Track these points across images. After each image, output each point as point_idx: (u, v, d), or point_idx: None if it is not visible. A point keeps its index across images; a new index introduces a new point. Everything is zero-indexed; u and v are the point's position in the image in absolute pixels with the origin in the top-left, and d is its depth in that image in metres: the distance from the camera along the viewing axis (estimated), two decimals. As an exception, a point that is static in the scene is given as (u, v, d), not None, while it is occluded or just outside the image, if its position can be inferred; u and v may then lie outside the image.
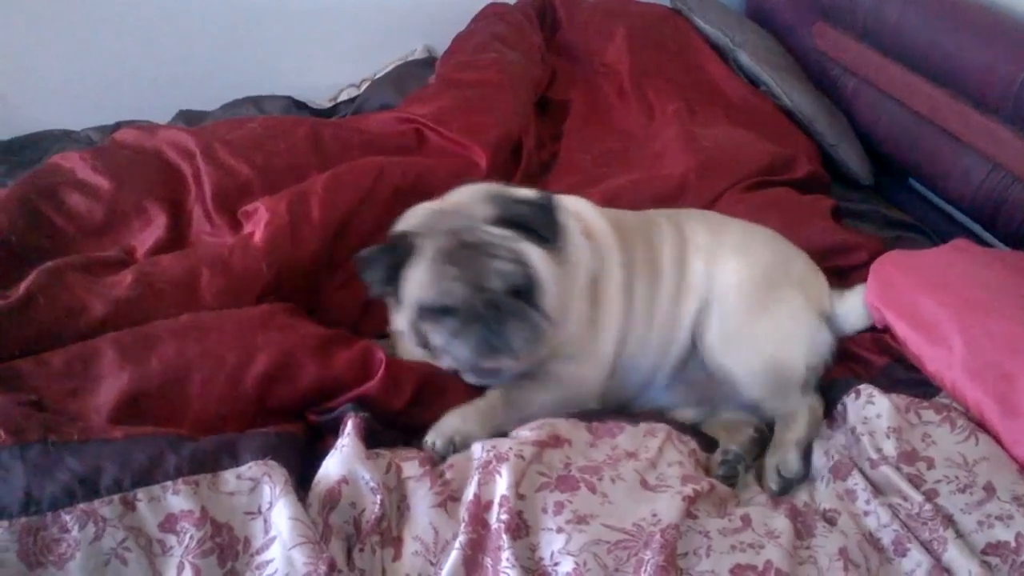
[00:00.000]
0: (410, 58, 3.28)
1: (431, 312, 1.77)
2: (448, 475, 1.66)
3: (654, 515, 1.57)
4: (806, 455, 1.90)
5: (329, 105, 3.13)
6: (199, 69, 3.07)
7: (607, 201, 2.39)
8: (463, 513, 1.56)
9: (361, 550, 1.48)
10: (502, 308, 1.73)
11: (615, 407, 1.99)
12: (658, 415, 1.99)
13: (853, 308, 2.13)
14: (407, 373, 1.84)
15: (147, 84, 2.97)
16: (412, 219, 1.87)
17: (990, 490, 1.68)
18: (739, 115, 2.85)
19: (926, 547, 1.60)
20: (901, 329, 2.04)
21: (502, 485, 1.59)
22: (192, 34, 3.13)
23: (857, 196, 2.83)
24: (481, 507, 1.56)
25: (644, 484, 1.65)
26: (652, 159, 2.61)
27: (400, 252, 1.79)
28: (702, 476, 1.76)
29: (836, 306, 2.13)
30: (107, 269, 1.93)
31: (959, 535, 1.61)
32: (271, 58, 3.18)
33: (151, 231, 2.09)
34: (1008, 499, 1.65)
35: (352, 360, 1.82)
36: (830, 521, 1.69)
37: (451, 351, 1.79)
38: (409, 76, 3.09)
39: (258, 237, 2.00)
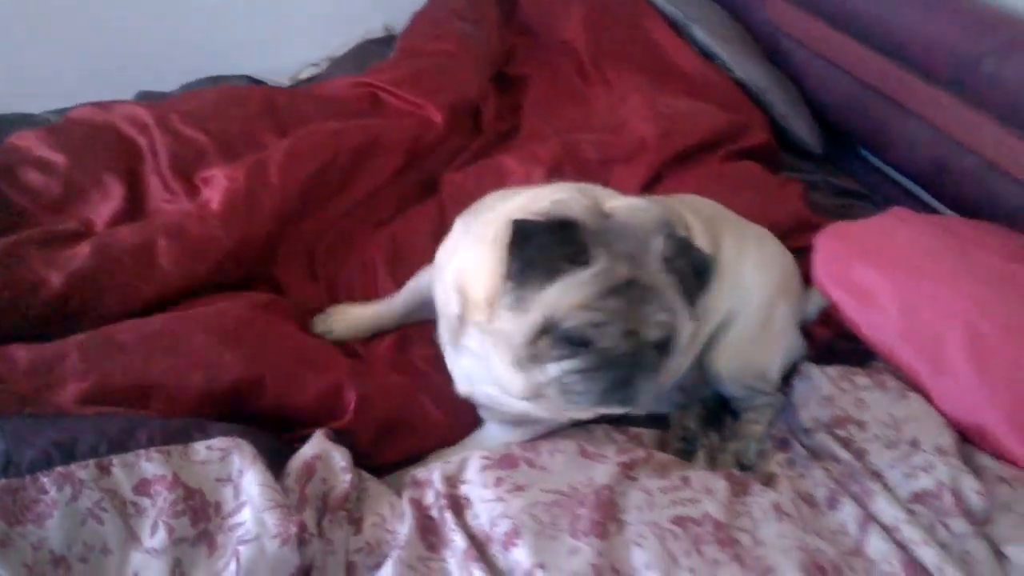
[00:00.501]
0: (370, 36, 3.30)
1: (565, 336, 1.53)
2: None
3: (590, 479, 1.65)
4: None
5: (289, 84, 3.13)
6: (158, 49, 3.07)
7: (566, 151, 2.47)
8: (406, 497, 1.64)
9: (331, 521, 1.56)
10: (643, 360, 1.55)
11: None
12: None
13: (812, 300, 2.20)
14: (378, 410, 1.81)
15: (106, 65, 2.96)
16: (570, 207, 1.59)
17: (915, 444, 1.77)
18: (695, 88, 2.90)
19: (856, 500, 1.69)
20: (839, 297, 2.12)
21: (448, 465, 1.68)
22: (150, 14, 3.12)
23: (808, 166, 2.91)
24: (420, 484, 1.65)
25: (583, 453, 1.72)
26: (614, 128, 2.66)
27: (572, 249, 1.51)
28: (639, 447, 1.84)
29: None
30: (65, 242, 1.94)
31: (886, 488, 1.70)
32: (230, 37, 3.17)
33: (109, 203, 2.11)
34: (930, 450, 1.74)
35: (323, 393, 1.77)
36: (767, 484, 1.78)
37: (568, 386, 1.55)
38: (369, 54, 3.11)
39: (216, 204, 2.03)
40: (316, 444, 1.67)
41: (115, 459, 1.48)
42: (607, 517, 1.56)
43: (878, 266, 2.08)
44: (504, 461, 1.67)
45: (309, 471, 1.61)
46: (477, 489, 1.65)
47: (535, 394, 1.63)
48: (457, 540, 1.53)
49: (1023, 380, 1.78)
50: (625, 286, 1.53)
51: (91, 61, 3.01)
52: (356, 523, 1.60)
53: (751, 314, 1.98)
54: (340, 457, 1.65)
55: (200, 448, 1.54)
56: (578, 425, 1.91)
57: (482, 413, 1.88)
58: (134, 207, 2.15)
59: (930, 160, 2.63)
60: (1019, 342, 1.83)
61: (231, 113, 2.35)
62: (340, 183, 2.29)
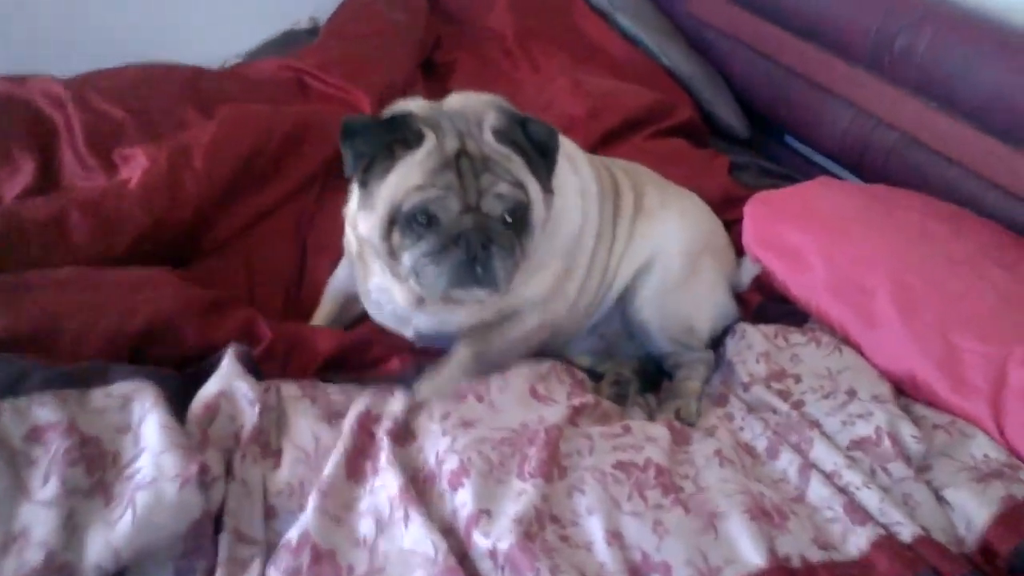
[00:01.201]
0: (297, 28, 3.25)
1: (410, 220, 1.58)
2: (333, 396, 1.67)
3: (540, 418, 1.61)
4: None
5: (215, 72, 3.07)
6: (81, 36, 2.96)
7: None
8: (350, 423, 1.57)
9: (243, 457, 1.47)
10: (492, 235, 1.58)
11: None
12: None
13: (745, 269, 2.21)
14: (289, 345, 1.79)
15: (27, 48, 2.85)
16: (407, 106, 1.67)
17: (852, 394, 1.77)
18: (622, 71, 2.93)
19: (795, 449, 1.68)
20: (768, 260, 2.13)
21: (395, 405, 1.61)
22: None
23: (735, 149, 2.94)
24: (371, 419, 1.58)
25: (533, 392, 1.69)
26: (542, 107, 2.66)
27: (400, 133, 1.57)
28: (588, 393, 1.80)
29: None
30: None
31: (824, 435, 1.69)
32: (156, 27, 3.10)
33: (19, 178, 2.02)
34: (867, 398, 1.74)
35: (234, 331, 1.75)
36: (708, 433, 1.75)
37: (422, 273, 1.60)
38: (293, 44, 3.05)
39: (134, 182, 1.96)
40: (219, 379, 1.57)
41: (5, 404, 1.37)
42: (553, 459, 1.52)
43: (805, 228, 2.10)
44: (453, 394, 1.64)
45: (211, 411, 1.51)
46: (424, 421, 1.60)
47: (415, 299, 1.70)
48: (391, 477, 1.46)
49: (949, 328, 1.80)
50: (455, 159, 1.58)
51: (12, 44, 2.88)
52: (274, 456, 1.51)
53: (673, 259, 1.98)
54: (247, 389, 1.55)
55: (99, 395, 1.45)
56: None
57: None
58: (46, 183, 2.07)
59: (853, 139, 2.68)
60: (943, 293, 1.86)
61: (152, 90, 2.28)
62: (269, 172, 2.23)
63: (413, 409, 1.63)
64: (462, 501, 1.42)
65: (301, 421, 1.57)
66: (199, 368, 1.70)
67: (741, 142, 3.01)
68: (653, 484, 1.50)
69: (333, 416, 1.61)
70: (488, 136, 1.63)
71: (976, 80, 2.27)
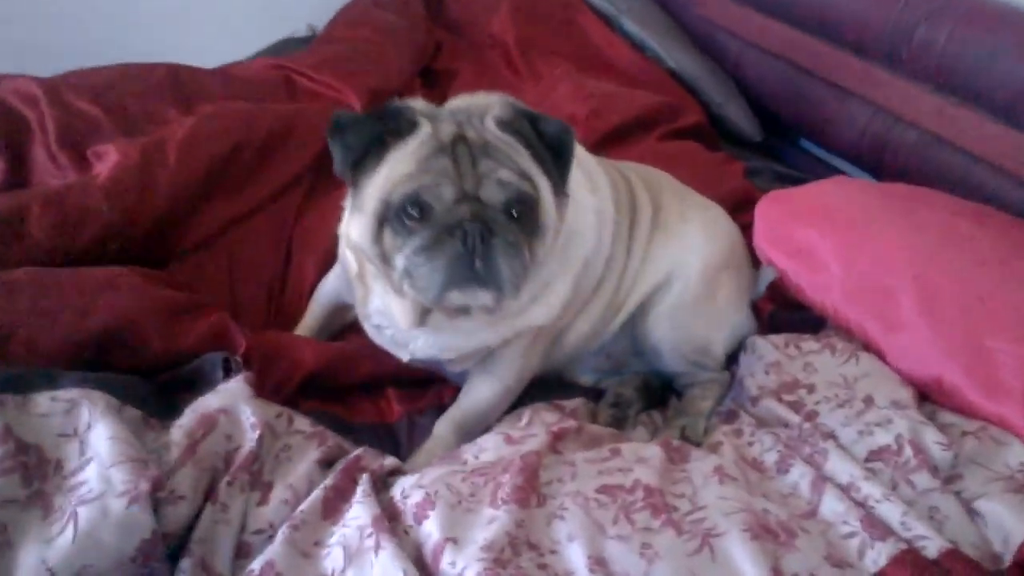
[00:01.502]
0: (294, 36, 3.18)
1: (400, 214, 1.41)
2: (342, 444, 1.55)
3: (517, 450, 1.47)
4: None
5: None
6: (77, 45, 2.91)
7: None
8: (338, 465, 1.45)
9: (229, 483, 1.34)
10: (493, 226, 1.40)
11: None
12: (560, 380, 1.91)
13: (761, 276, 2.08)
14: (268, 354, 1.69)
15: (16, 51, 2.80)
16: (407, 103, 1.54)
17: (869, 401, 1.62)
18: (627, 78, 2.83)
19: (807, 462, 1.53)
20: (780, 261, 1.99)
21: (386, 461, 1.50)
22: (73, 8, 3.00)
23: (747, 154, 2.81)
24: (358, 467, 1.45)
25: (508, 440, 1.54)
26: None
27: (393, 123, 1.43)
28: (570, 419, 1.66)
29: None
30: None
31: (840, 447, 1.54)
32: (153, 36, 3.06)
33: (-13, 178, 1.93)
34: (886, 405, 1.59)
35: (204, 337, 1.64)
36: (710, 450, 1.61)
37: (416, 274, 1.42)
38: (291, 52, 2.96)
39: (103, 178, 1.86)
40: (222, 395, 1.46)
41: (-67, 409, 1.26)
42: (530, 485, 1.37)
43: (820, 226, 1.96)
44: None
45: (209, 424, 1.40)
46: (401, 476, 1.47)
47: (417, 317, 1.54)
48: (363, 510, 1.32)
49: (978, 328, 1.64)
50: (451, 146, 1.42)
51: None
52: (263, 490, 1.38)
53: (692, 280, 1.83)
54: (251, 412, 1.43)
55: (42, 399, 1.33)
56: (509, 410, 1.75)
57: (450, 375, 1.75)
58: (16, 183, 1.98)
59: (871, 139, 2.55)
60: (970, 290, 1.70)
61: (130, 87, 2.19)
62: (251, 169, 2.14)
63: (396, 471, 1.50)
64: (427, 532, 1.28)
65: (301, 461, 1.44)
66: (173, 375, 1.60)
67: (754, 147, 2.88)
68: (641, 506, 1.34)
69: (332, 462, 1.48)
70: (490, 124, 1.48)
71: (1001, 73, 2.13)
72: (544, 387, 1.83)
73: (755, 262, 2.09)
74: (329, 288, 1.92)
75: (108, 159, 1.93)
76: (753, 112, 2.89)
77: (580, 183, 1.70)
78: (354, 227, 1.51)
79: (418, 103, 1.53)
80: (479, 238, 1.39)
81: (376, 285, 1.62)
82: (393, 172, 1.43)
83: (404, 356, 1.69)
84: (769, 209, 2.09)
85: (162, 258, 1.95)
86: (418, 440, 1.70)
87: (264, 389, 1.66)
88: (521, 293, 1.52)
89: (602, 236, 1.74)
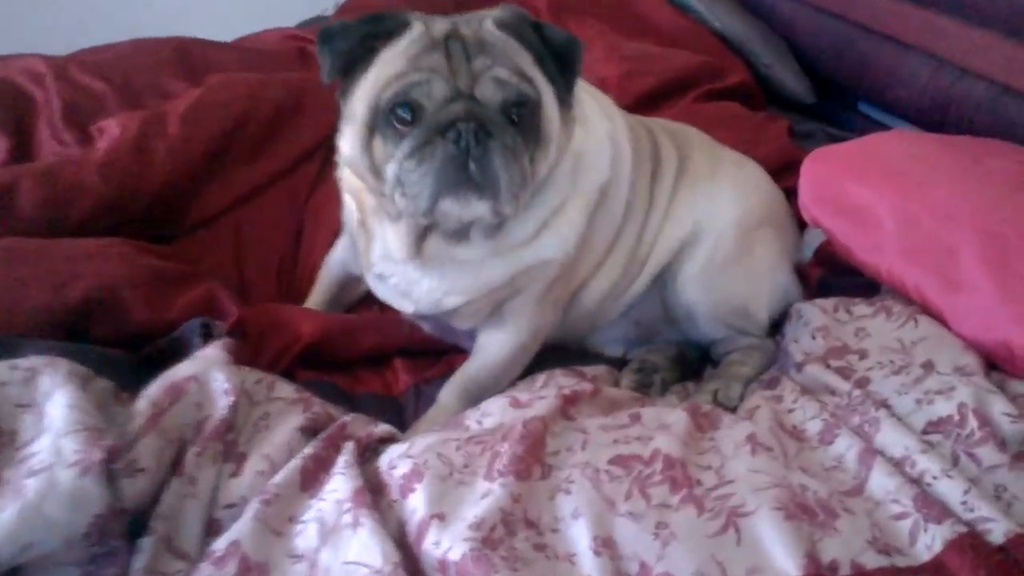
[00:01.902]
0: (324, 14, 3.09)
1: (390, 117, 1.31)
2: (330, 411, 1.43)
3: (522, 414, 1.33)
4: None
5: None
6: (97, 19, 2.89)
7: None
8: (321, 435, 1.32)
9: (198, 454, 1.24)
10: (489, 126, 1.29)
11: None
12: (585, 352, 1.76)
13: (807, 239, 1.90)
14: (264, 326, 1.60)
15: (58, 26, 2.78)
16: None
17: (928, 367, 1.44)
18: (668, 40, 2.65)
19: (856, 432, 1.35)
20: (828, 221, 1.81)
21: (374, 429, 1.37)
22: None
23: (800, 118, 2.61)
24: (343, 435, 1.33)
25: (515, 403, 1.40)
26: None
27: (384, 25, 1.34)
28: (586, 380, 1.51)
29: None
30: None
31: (894, 416, 1.36)
32: (179, 15, 3.01)
33: (-9, 156, 1.87)
34: (949, 371, 1.40)
35: (191, 306, 1.55)
36: (743, 418, 1.44)
37: (406, 181, 1.31)
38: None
39: (100, 151, 1.78)
40: (195, 362, 1.35)
41: None
42: (533, 455, 1.23)
43: (872, 181, 1.76)
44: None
45: (176, 393, 1.29)
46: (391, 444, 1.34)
47: (413, 242, 1.45)
48: (343, 481, 1.20)
49: (1055, 286, 1.44)
50: (444, 41, 1.32)
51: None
52: (238, 461, 1.27)
53: (725, 234, 1.68)
54: (224, 379, 1.33)
55: (1, 368, 1.23)
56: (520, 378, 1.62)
57: (461, 339, 1.63)
58: (20, 159, 1.89)
59: (933, 95, 2.33)
60: (1045, 245, 1.50)
61: (137, 62, 2.12)
62: (259, 142, 2.03)
63: (387, 440, 1.38)
64: (412, 507, 1.16)
65: (282, 428, 1.33)
66: (155, 347, 1.50)
67: (807, 110, 2.68)
68: (659, 479, 1.19)
69: (318, 430, 1.36)
70: (488, 23, 1.37)
71: (1081, 9, 1.91)
72: (566, 358, 1.69)
73: (800, 226, 1.91)
74: (336, 258, 1.82)
75: (109, 133, 1.86)
76: (809, 77, 2.69)
77: (592, 108, 1.58)
78: (345, 140, 1.41)
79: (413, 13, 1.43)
80: (473, 138, 1.28)
81: (376, 227, 1.52)
82: (382, 73, 1.33)
83: (408, 307, 1.58)
84: (816, 166, 1.90)
85: (165, 235, 1.87)
86: (424, 412, 1.58)
87: (261, 362, 1.57)
88: (524, 209, 1.41)
89: (619, 169, 1.61)
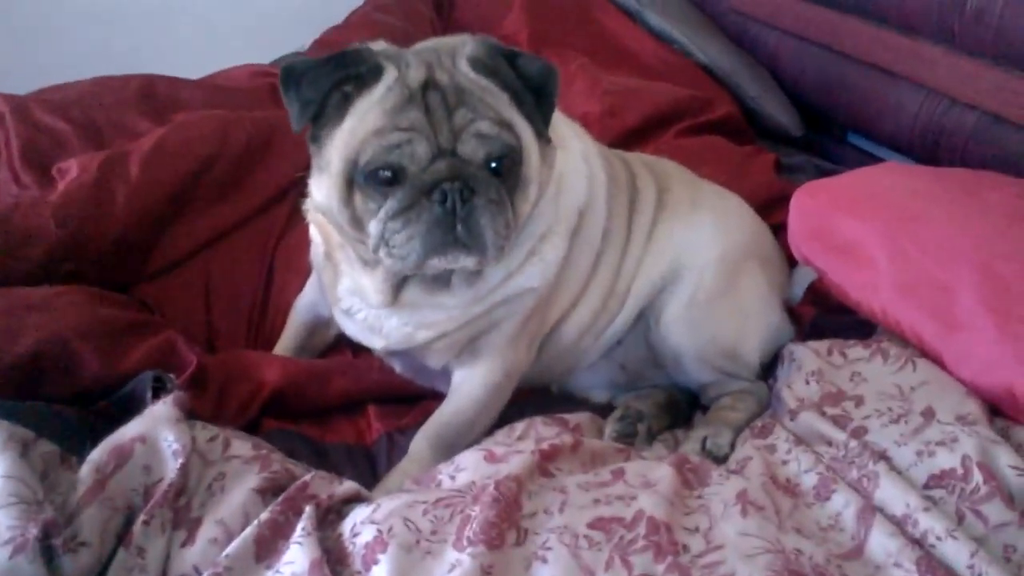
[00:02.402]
0: (301, 51, 3.04)
1: (371, 177, 1.27)
2: (288, 467, 1.33)
3: (495, 471, 1.24)
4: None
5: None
6: (86, 59, 2.83)
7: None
8: (280, 498, 1.23)
9: (146, 523, 1.15)
10: (473, 184, 1.26)
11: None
12: (570, 397, 1.70)
13: (797, 278, 1.84)
14: (227, 375, 1.53)
15: (46, 65, 2.72)
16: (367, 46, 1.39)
17: (929, 415, 1.36)
18: (652, 73, 2.61)
19: (854, 487, 1.27)
20: (819, 258, 1.74)
21: (337, 488, 1.27)
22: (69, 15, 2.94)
23: (788, 150, 2.56)
24: (304, 495, 1.23)
25: (490, 457, 1.31)
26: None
27: (355, 69, 1.28)
28: (568, 433, 1.43)
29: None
30: None
31: (894, 470, 1.28)
32: (158, 51, 2.96)
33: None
34: (951, 420, 1.32)
35: (148, 356, 1.47)
36: (734, 471, 1.35)
37: (392, 241, 1.28)
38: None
39: (56, 194, 1.71)
40: (143, 421, 1.26)
41: None
42: (507, 519, 1.14)
43: (865, 216, 1.70)
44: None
45: (121, 456, 1.20)
46: (354, 506, 1.24)
47: (390, 290, 1.41)
48: (301, 553, 1.10)
49: (1059, 326, 1.36)
50: (421, 93, 1.27)
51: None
52: (191, 528, 1.17)
53: (708, 268, 1.61)
54: (174, 438, 1.23)
55: (-69, 435, 1.14)
56: (498, 426, 1.54)
57: (433, 368, 1.55)
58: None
59: (924, 125, 2.28)
60: (1047, 283, 1.43)
61: (101, 100, 2.04)
62: (227, 183, 1.95)
63: (353, 499, 1.28)
64: None
65: (237, 489, 1.23)
66: (108, 403, 1.41)
67: (795, 143, 2.63)
68: (642, 545, 1.10)
69: (274, 489, 1.26)
70: (463, 65, 1.32)
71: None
72: (550, 404, 1.62)
73: (790, 263, 1.84)
74: (306, 301, 1.74)
75: (69, 175, 1.78)
76: (796, 109, 2.64)
77: (566, 130, 1.56)
78: (319, 189, 1.36)
79: (379, 44, 1.37)
80: (459, 197, 1.25)
81: (343, 264, 1.48)
82: (359, 127, 1.28)
83: (378, 344, 1.52)
84: (805, 201, 1.84)
85: (127, 280, 1.79)
86: (398, 462, 1.49)
87: (225, 413, 1.50)
88: (509, 253, 1.38)
89: (594, 192, 1.56)
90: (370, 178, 1.27)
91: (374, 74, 1.29)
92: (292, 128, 1.32)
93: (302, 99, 1.29)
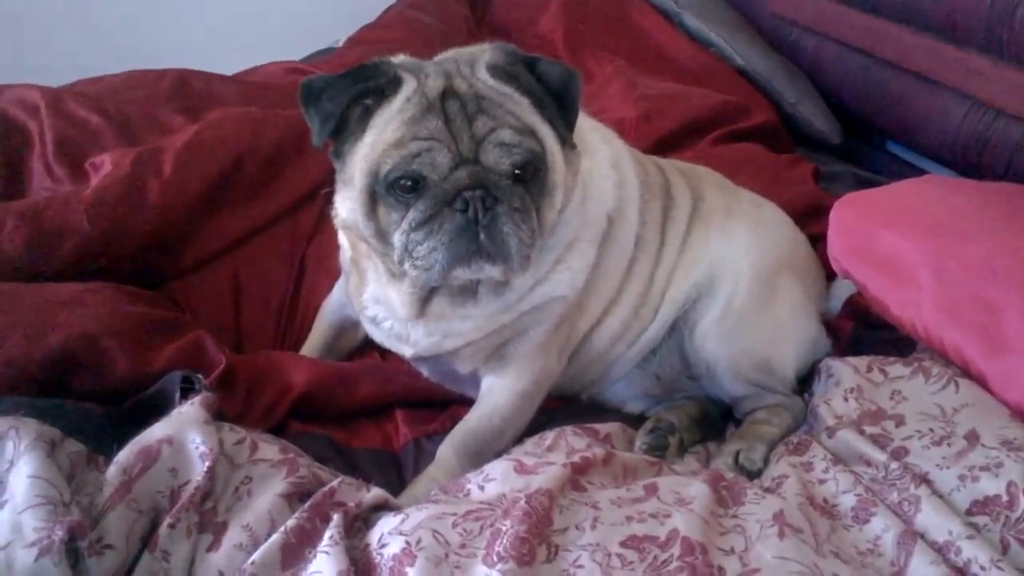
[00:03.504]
0: (335, 46, 3.03)
1: (393, 188, 1.26)
2: (315, 471, 1.32)
3: (526, 484, 1.21)
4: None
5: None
6: (104, 42, 2.86)
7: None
8: (307, 504, 1.21)
9: (172, 526, 1.14)
10: (496, 191, 1.26)
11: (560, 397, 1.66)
12: (602, 407, 1.68)
13: (835, 291, 1.80)
14: (254, 376, 1.52)
15: (75, 57, 2.74)
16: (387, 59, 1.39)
17: (972, 438, 1.32)
18: (689, 77, 2.58)
19: (894, 511, 1.24)
20: (860, 273, 1.70)
21: (365, 496, 1.25)
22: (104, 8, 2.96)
23: (827, 158, 2.52)
24: (330, 502, 1.22)
25: (520, 468, 1.29)
26: (594, 115, 2.32)
27: (374, 82, 1.29)
28: (599, 444, 1.41)
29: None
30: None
31: (935, 494, 1.24)
32: (192, 50, 2.93)
33: (-19, 192, 1.80)
34: (995, 444, 1.28)
35: (177, 355, 1.47)
36: (770, 490, 1.32)
37: (415, 252, 1.28)
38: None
39: (89, 190, 1.70)
40: (170, 422, 1.25)
41: None
42: (537, 535, 1.11)
43: (908, 232, 1.65)
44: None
45: (148, 458, 1.19)
46: (383, 514, 1.23)
47: (417, 303, 1.41)
48: (328, 563, 1.09)
49: (1111, 349, 1.32)
50: (440, 102, 1.26)
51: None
52: (216, 532, 1.17)
53: (742, 283, 1.58)
54: (201, 440, 1.22)
55: (-38, 432, 1.14)
56: (528, 434, 1.52)
57: (463, 374, 1.54)
58: (13, 196, 1.83)
59: (968, 137, 2.22)
60: (1098, 305, 1.38)
61: (134, 94, 2.05)
62: (260, 181, 1.95)
63: (380, 507, 1.27)
64: None
65: (263, 496, 1.22)
66: (136, 402, 1.40)
67: (834, 150, 2.58)
68: (677, 566, 1.08)
69: (301, 494, 1.25)
70: (483, 73, 1.31)
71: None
72: (581, 414, 1.60)
73: (828, 274, 1.81)
74: (334, 303, 1.73)
75: (103, 170, 1.78)
76: (834, 115, 2.59)
77: (592, 135, 1.54)
78: (344, 204, 1.37)
79: (399, 57, 1.38)
80: (481, 205, 1.24)
81: (370, 272, 1.47)
82: (379, 139, 1.28)
83: (406, 352, 1.52)
84: (845, 214, 1.80)
85: (158, 278, 1.78)
86: (424, 468, 1.47)
87: (252, 414, 1.49)
88: (535, 261, 1.36)
89: (625, 197, 1.54)
90: (392, 189, 1.27)
91: (393, 86, 1.29)
92: (312, 143, 1.32)
93: (322, 113, 1.29)
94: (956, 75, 2.23)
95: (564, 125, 1.33)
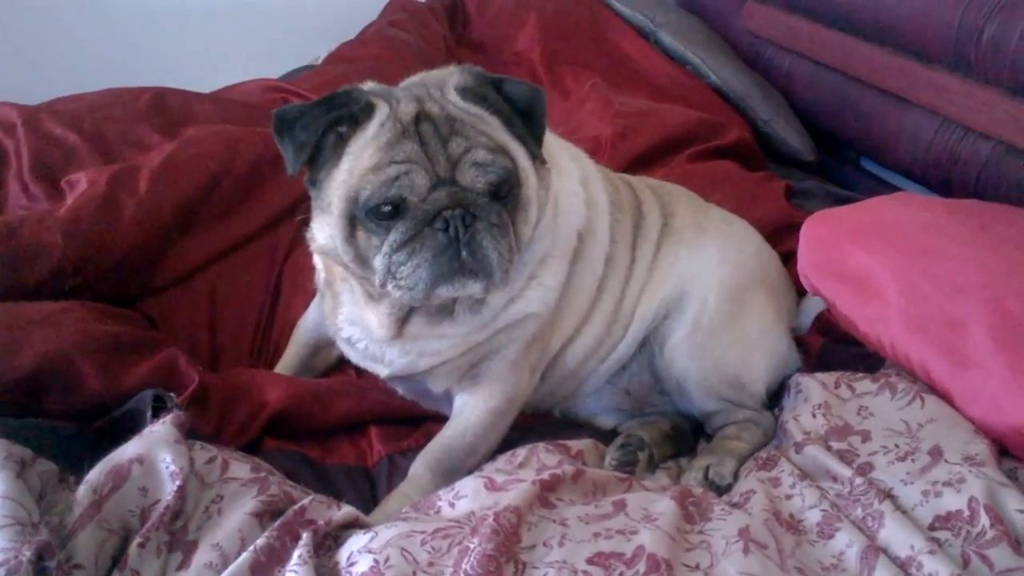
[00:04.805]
0: (314, 64, 3.04)
1: (373, 213, 1.28)
2: (286, 489, 1.32)
3: (495, 502, 1.23)
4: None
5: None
6: (83, 60, 2.86)
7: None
8: (277, 522, 1.22)
9: (142, 545, 1.14)
10: (475, 209, 1.28)
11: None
12: (574, 423, 1.68)
13: (805, 307, 1.82)
14: (228, 393, 1.52)
15: (49, 78, 2.74)
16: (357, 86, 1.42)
17: (936, 454, 1.34)
18: (665, 94, 2.61)
19: (859, 526, 1.26)
20: (828, 289, 1.73)
21: (335, 514, 1.26)
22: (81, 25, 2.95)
23: (800, 175, 2.55)
24: (301, 520, 1.23)
25: (490, 485, 1.31)
26: (570, 133, 2.34)
27: (347, 109, 1.30)
28: (570, 461, 1.42)
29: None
30: None
31: (899, 509, 1.26)
32: (168, 61, 2.98)
33: (-46, 212, 1.80)
34: (958, 460, 1.30)
35: (149, 374, 1.47)
36: (737, 505, 1.34)
37: (398, 273, 1.29)
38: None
39: (64, 209, 1.71)
40: (141, 441, 1.26)
41: None
42: (505, 552, 1.12)
43: (875, 248, 1.68)
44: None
45: (118, 477, 1.20)
46: (352, 532, 1.23)
47: (395, 324, 1.43)
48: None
49: (1071, 365, 1.34)
50: (414, 125, 1.29)
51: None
52: (186, 551, 1.17)
53: (712, 298, 1.60)
54: (172, 459, 1.23)
55: (-72, 454, 1.14)
56: (500, 451, 1.53)
57: (436, 392, 1.55)
58: (-13, 216, 1.83)
59: (938, 153, 2.26)
60: (1061, 320, 1.41)
61: (112, 112, 2.06)
62: (236, 199, 1.96)
63: (351, 524, 1.27)
64: None
65: (234, 514, 1.23)
66: (108, 421, 1.41)
67: (807, 166, 2.61)
68: (642, 582, 1.09)
69: (272, 513, 1.25)
70: (452, 95, 1.34)
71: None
72: (554, 429, 1.61)
73: (798, 291, 1.83)
74: (310, 321, 1.74)
75: (78, 188, 1.78)
76: (807, 132, 2.63)
77: (560, 153, 1.56)
78: (321, 230, 1.38)
79: (368, 84, 1.41)
80: (461, 224, 1.27)
81: (344, 294, 1.49)
82: (356, 165, 1.30)
83: (382, 371, 1.53)
84: (815, 230, 1.83)
85: (134, 295, 1.78)
86: (398, 485, 1.48)
87: (226, 432, 1.49)
88: (512, 277, 1.39)
89: (594, 214, 1.57)
90: (372, 214, 1.28)
91: (366, 113, 1.31)
92: (288, 171, 1.33)
93: (296, 142, 1.30)
94: (927, 93, 2.26)
95: (533, 141, 1.36)
